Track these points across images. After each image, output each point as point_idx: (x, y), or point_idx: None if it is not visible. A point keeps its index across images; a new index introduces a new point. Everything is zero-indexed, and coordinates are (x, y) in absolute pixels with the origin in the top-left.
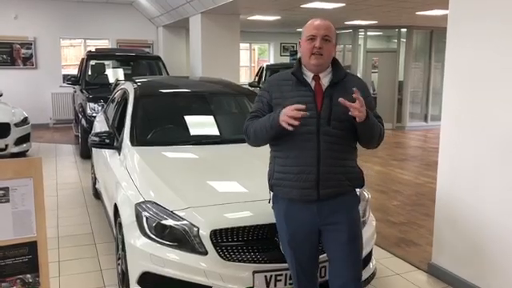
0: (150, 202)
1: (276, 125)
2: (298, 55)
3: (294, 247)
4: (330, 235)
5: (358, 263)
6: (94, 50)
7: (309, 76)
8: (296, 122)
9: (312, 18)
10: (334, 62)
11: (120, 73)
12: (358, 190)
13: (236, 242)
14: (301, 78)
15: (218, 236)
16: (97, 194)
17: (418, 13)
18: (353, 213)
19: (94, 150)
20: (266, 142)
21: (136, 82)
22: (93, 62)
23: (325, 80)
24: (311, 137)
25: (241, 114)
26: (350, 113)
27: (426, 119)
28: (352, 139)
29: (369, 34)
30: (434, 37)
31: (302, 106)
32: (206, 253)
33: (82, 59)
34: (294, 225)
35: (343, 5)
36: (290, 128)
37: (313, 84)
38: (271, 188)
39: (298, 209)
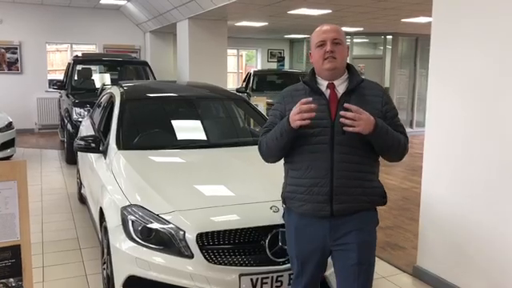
0: (136, 205)
1: (287, 130)
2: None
3: (302, 261)
4: (339, 255)
5: None
6: (80, 54)
7: (323, 85)
8: (307, 115)
9: (320, 25)
10: (349, 69)
11: (106, 78)
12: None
13: (222, 246)
14: (314, 87)
15: (204, 239)
16: (82, 199)
17: (403, 20)
18: (367, 235)
19: (79, 154)
20: (279, 153)
21: (122, 86)
22: (79, 67)
23: (340, 88)
24: (325, 147)
25: (228, 118)
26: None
27: (411, 125)
28: (371, 151)
29: (355, 40)
30: (419, 44)
31: (310, 99)
32: (192, 256)
33: (69, 64)
34: (303, 240)
35: (329, 11)
36: (306, 122)
37: (327, 92)
38: (284, 201)
39: (309, 223)
